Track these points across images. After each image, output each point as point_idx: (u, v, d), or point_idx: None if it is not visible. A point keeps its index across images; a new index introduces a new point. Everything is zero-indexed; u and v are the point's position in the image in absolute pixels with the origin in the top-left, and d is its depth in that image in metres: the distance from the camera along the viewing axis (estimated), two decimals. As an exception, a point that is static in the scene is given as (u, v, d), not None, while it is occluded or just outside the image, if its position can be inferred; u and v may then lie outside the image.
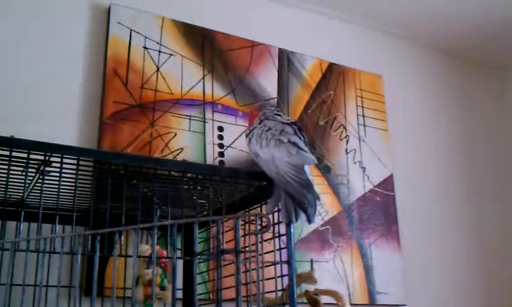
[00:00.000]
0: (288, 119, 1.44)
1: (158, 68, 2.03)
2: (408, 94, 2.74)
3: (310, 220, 1.28)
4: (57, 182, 1.22)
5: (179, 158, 1.95)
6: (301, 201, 1.26)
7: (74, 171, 1.22)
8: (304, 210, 1.27)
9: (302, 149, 1.34)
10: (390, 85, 2.65)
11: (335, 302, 1.53)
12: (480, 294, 2.61)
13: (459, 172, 2.77)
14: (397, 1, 2.53)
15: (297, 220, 1.30)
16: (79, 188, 1.26)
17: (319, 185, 2.24)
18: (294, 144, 1.34)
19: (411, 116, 2.70)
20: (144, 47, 2.02)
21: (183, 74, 2.08)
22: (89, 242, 1.50)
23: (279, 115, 1.47)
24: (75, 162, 1.21)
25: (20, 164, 1.17)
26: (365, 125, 2.47)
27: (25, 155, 1.16)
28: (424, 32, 2.78)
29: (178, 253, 1.43)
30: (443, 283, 2.49)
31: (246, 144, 1.46)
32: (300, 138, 1.38)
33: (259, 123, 1.46)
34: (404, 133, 2.64)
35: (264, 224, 1.23)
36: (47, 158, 1.17)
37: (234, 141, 2.10)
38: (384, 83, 2.61)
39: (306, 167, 1.33)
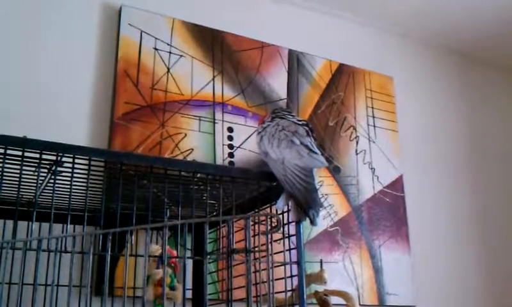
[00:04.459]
0: (299, 120, 1.44)
1: (168, 69, 2.03)
2: (418, 96, 2.73)
3: (312, 223, 1.28)
4: (68, 182, 1.23)
5: (189, 158, 1.96)
6: (304, 205, 1.27)
7: (86, 171, 1.23)
8: (307, 214, 1.27)
9: (313, 151, 1.34)
10: (400, 86, 2.65)
11: (345, 302, 1.53)
12: (490, 296, 2.60)
13: (469, 173, 2.76)
14: (407, 2, 2.52)
15: (305, 219, 1.30)
16: (90, 188, 1.27)
17: (329, 185, 2.24)
18: (306, 146, 1.34)
19: (421, 117, 2.70)
20: (155, 48, 2.03)
21: (193, 75, 2.08)
22: (100, 242, 1.51)
23: (291, 115, 1.47)
24: (86, 162, 1.21)
25: (32, 164, 1.18)
26: (375, 126, 2.47)
27: (37, 155, 1.17)
28: (434, 33, 2.77)
29: (188, 253, 1.43)
30: (452, 285, 2.49)
31: (257, 142, 1.46)
32: (312, 140, 1.38)
33: (271, 121, 1.46)
34: (414, 134, 2.63)
35: (273, 225, 1.23)
36: (58, 158, 1.18)
37: (244, 141, 2.10)
38: (395, 84, 2.61)
39: (314, 171, 1.33)
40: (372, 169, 2.39)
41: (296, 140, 1.35)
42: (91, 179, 1.25)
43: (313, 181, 1.30)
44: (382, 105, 2.52)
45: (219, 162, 2.02)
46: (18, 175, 1.16)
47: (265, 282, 1.23)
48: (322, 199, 2.18)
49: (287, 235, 1.37)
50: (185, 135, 1.99)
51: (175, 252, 1.52)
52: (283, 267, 1.31)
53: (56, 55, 1.88)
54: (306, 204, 1.27)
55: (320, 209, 1.33)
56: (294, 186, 1.28)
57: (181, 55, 2.08)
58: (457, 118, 2.83)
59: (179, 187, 1.32)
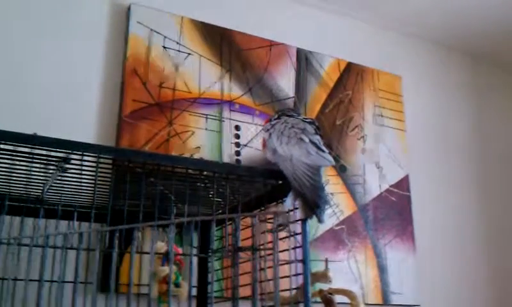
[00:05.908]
0: (305, 118, 1.45)
1: (177, 68, 2.04)
2: (426, 95, 2.73)
3: (320, 220, 1.29)
4: (76, 179, 1.24)
5: (196, 156, 1.97)
6: (312, 204, 1.27)
7: (94, 168, 1.23)
8: (313, 212, 1.28)
9: (322, 150, 1.35)
10: (408, 85, 2.65)
11: (349, 301, 1.53)
12: (496, 295, 2.59)
13: (476, 173, 2.75)
14: (415, 2, 2.52)
15: (312, 217, 1.30)
16: (97, 186, 1.28)
17: (335, 184, 2.24)
18: (315, 144, 1.35)
19: (429, 116, 2.69)
20: (163, 46, 2.04)
21: (201, 73, 2.09)
22: (107, 239, 1.51)
23: (296, 113, 1.48)
24: (94, 159, 1.22)
25: (40, 161, 1.19)
26: (382, 125, 2.46)
27: (46, 152, 1.18)
28: (442, 32, 2.76)
29: (194, 251, 1.44)
30: (457, 284, 2.49)
31: (266, 138, 1.45)
32: (319, 138, 1.38)
33: (277, 118, 1.46)
34: (421, 133, 2.63)
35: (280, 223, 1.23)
36: (67, 155, 1.19)
37: (251, 140, 2.11)
38: (403, 83, 2.61)
39: (322, 169, 1.33)
40: (378, 168, 2.39)
41: (305, 137, 1.36)
42: (99, 176, 1.26)
43: (321, 179, 1.30)
44: (390, 104, 2.52)
45: (225, 160, 2.03)
46: (26, 172, 1.17)
47: (271, 280, 1.24)
48: (328, 198, 2.18)
49: (292, 233, 1.37)
50: (193, 133, 2.00)
51: (180, 250, 1.53)
52: (288, 265, 1.31)
53: (65, 53, 1.89)
54: (314, 203, 1.27)
55: (327, 207, 1.34)
56: (303, 183, 1.29)
57: (189, 54, 2.09)
58: (465, 117, 2.82)
59: (186, 184, 1.32)
